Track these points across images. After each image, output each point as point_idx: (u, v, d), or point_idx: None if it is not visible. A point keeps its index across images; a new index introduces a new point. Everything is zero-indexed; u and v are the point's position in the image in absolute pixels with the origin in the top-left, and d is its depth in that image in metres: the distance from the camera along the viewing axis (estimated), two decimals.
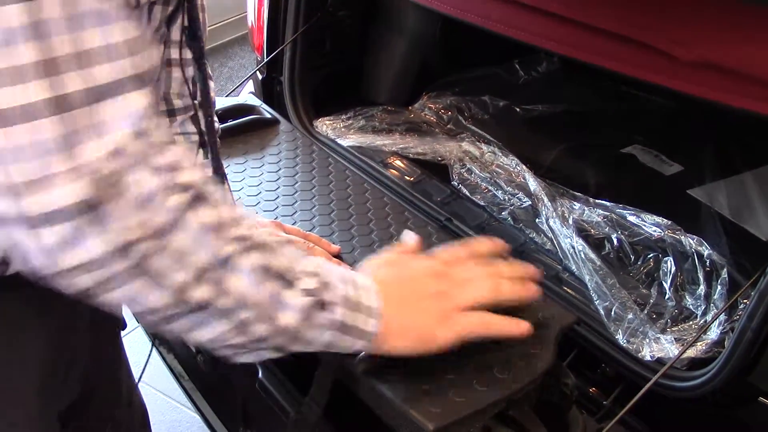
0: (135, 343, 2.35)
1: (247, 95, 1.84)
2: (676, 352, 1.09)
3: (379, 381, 0.91)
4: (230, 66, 4.15)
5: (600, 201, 1.42)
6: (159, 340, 1.40)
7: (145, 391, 2.18)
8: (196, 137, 1.03)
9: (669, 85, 0.98)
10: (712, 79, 0.92)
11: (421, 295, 0.85)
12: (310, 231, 1.20)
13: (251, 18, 1.81)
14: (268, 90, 1.83)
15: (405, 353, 0.84)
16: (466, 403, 0.88)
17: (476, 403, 0.89)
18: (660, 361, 1.10)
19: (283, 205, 1.26)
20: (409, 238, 0.97)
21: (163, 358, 1.38)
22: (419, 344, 0.84)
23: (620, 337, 1.15)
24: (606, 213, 1.38)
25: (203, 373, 1.24)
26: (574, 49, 1.09)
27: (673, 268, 1.26)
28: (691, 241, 1.28)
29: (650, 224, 1.34)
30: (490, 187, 1.52)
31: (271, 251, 0.71)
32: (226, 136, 1.44)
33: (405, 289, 0.85)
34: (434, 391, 0.90)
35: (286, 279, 0.72)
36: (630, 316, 1.18)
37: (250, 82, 1.91)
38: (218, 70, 4.11)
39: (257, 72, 1.84)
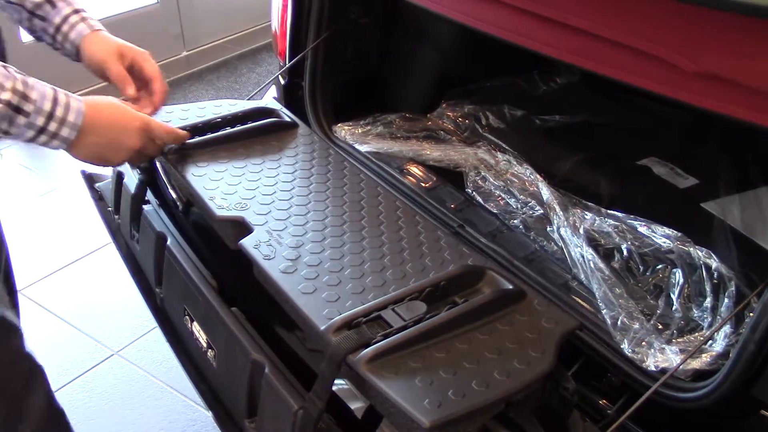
0: (154, 343, 2.40)
1: (270, 99, 1.87)
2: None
3: (379, 378, 0.93)
4: (258, 72, 4.20)
5: (611, 211, 1.42)
6: (173, 338, 1.43)
7: (164, 391, 2.23)
8: None
9: (675, 96, 0.98)
10: (717, 90, 0.93)
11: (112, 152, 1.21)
12: (322, 231, 1.23)
13: (275, 24, 1.84)
14: (290, 95, 1.86)
15: (87, 162, 1.21)
16: (463, 402, 0.90)
17: (474, 403, 0.90)
18: (664, 372, 1.11)
19: (296, 205, 1.28)
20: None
21: (177, 356, 1.41)
22: (99, 163, 1.23)
23: (626, 347, 1.16)
24: (617, 223, 1.39)
25: (212, 368, 1.26)
26: (582, 58, 1.10)
27: (681, 280, 1.26)
28: (700, 254, 1.29)
29: (660, 236, 1.34)
30: (503, 195, 1.53)
31: None
32: (246, 138, 1.47)
33: (107, 140, 1.19)
34: (433, 390, 0.91)
35: None
36: (636, 326, 1.19)
37: (275, 86, 1.95)
38: (246, 75, 4.17)
39: (280, 77, 1.87)
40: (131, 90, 1.35)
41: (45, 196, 3.12)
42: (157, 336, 1.56)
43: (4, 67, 1.08)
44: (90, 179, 1.71)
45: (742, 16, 0.86)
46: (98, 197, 1.68)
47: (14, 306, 1.51)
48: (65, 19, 1.33)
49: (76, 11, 1.34)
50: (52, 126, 1.11)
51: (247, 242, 1.19)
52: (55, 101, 1.10)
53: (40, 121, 1.09)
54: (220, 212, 1.25)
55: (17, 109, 1.06)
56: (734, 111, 0.92)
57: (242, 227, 1.23)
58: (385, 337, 0.98)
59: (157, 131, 1.27)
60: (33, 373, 1.39)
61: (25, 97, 1.07)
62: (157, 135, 1.27)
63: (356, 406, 1.17)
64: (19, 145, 2.91)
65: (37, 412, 1.42)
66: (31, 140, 1.11)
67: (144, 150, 1.26)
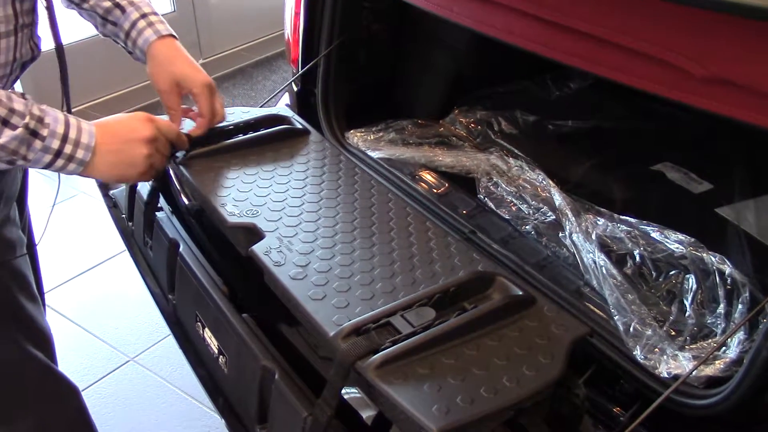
0: (170, 349, 2.41)
1: (283, 107, 1.88)
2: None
3: (387, 384, 0.93)
4: (273, 79, 4.22)
5: (624, 217, 1.41)
6: (186, 344, 1.44)
7: (179, 397, 2.24)
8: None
9: (684, 100, 0.98)
10: (726, 94, 0.92)
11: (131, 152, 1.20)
12: (332, 237, 1.23)
13: (288, 32, 1.85)
14: (303, 102, 1.86)
15: (104, 179, 1.28)
16: (472, 409, 0.90)
17: (482, 409, 0.90)
18: (677, 378, 1.10)
19: (307, 212, 1.29)
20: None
21: (190, 363, 1.41)
22: (119, 179, 1.29)
23: (638, 353, 1.15)
24: (629, 229, 1.38)
25: (224, 374, 1.27)
26: (590, 63, 1.10)
27: (695, 286, 1.25)
28: (713, 259, 1.27)
29: (673, 241, 1.33)
30: (515, 201, 1.53)
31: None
32: (258, 145, 1.48)
33: (121, 143, 1.19)
34: (441, 396, 0.91)
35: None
36: (649, 332, 1.18)
37: (288, 94, 1.95)
38: (262, 82, 4.19)
39: (293, 84, 1.88)
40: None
41: (63, 203, 3.15)
42: (173, 342, 1.57)
43: (22, 95, 1.10)
44: (104, 186, 1.73)
45: (749, 20, 0.85)
46: (112, 204, 1.69)
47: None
48: (133, 24, 1.34)
49: (144, 15, 1.34)
50: (68, 148, 1.12)
51: (257, 249, 1.19)
52: (67, 124, 1.12)
53: (55, 144, 1.10)
54: (231, 219, 1.26)
55: (34, 133, 1.08)
56: (743, 114, 0.92)
57: (253, 234, 1.24)
58: (394, 343, 0.98)
59: (159, 121, 1.26)
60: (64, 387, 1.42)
61: (40, 120, 1.09)
62: (160, 125, 1.25)
63: (368, 414, 1.16)
64: None
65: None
66: (50, 165, 1.12)
67: (156, 142, 1.23)
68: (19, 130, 1.07)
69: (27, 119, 1.08)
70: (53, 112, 1.12)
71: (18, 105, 1.07)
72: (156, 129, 1.23)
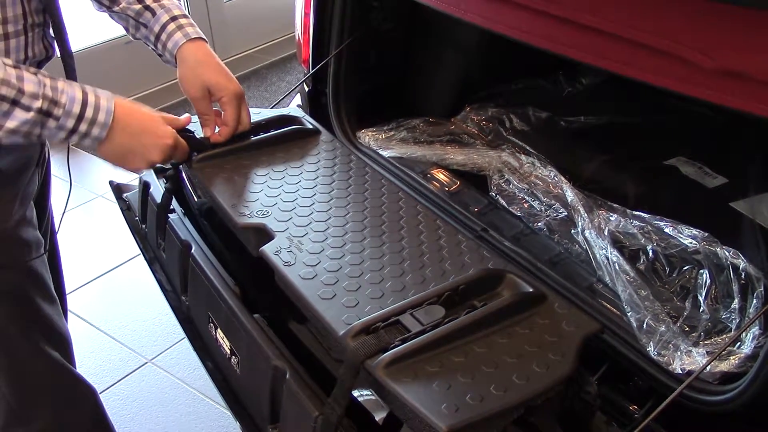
0: (187, 351, 2.42)
1: (294, 107, 1.88)
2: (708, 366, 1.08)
3: (396, 383, 0.93)
4: (288, 80, 4.23)
5: (637, 212, 1.40)
6: (198, 347, 1.45)
7: (197, 398, 2.25)
8: None
9: (691, 93, 0.97)
10: (734, 86, 0.91)
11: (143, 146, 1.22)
12: (342, 236, 1.23)
13: (298, 32, 1.85)
14: (314, 102, 1.87)
15: (109, 162, 1.24)
16: (481, 407, 0.89)
17: (492, 407, 0.90)
18: (691, 375, 1.09)
19: (317, 211, 1.29)
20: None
21: (203, 364, 1.42)
22: (119, 165, 1.25)
23: (651, 350, 1.14)
24: (642, 224, 1.37)
25: (236, 375, 1.27)
26: (598, 57, 1.09)
27: (708, 281, 1.24)
28: (727, 254, 1.26)
29: (686, 236, 1.32)
30: (527, 198, 1.52)
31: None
32: (269, 146, 1.48)
33: (134, 137, 1.20)
34: (451, 394, 0.91)
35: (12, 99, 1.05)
36: (662, 328, 1.17)
37: (300, 94, 1.96)
38: (276, 84, 4.20)
39: (304, 84, 1.88)
40: (207, 132, 1.39)
41: (81, 207, 3.17)
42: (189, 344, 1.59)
43: (35, 73, 1.10)
44: (118, 189, 1.74)
45: (756, 10, 0.84)
46: (126, 207, 1.70)
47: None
48: (163, 27, 1.35)
49: (174, 18, 1.35)
50: (83, 127, 1.13)
51: (268, 249, 1.19)
52: (84, 104, 1.12)
53: (70, 123, 1.12)
54: (241, 219, 1.26)
55: (47, 114, 1.09)
56: (753, 107, 0.90)
57: (264, 234, 1.24)
58: (404, 341, 0.97)
59: (179, 152, 1.30)
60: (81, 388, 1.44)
61: (54, 102, 1.09)
62: (177, 155, 1.30)
63: (382, 416, 1.16)
64: (54, 158, 2.99)
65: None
66: (64, 141, 1.14)
67: (174, 150, 1.28)
68: (32, 114, 1.07)
69: (40, 102, 1.08)
70: (71, 91, 1.12)
71: (30, 86, 1.07)
72: (168, 157, 1.27)
